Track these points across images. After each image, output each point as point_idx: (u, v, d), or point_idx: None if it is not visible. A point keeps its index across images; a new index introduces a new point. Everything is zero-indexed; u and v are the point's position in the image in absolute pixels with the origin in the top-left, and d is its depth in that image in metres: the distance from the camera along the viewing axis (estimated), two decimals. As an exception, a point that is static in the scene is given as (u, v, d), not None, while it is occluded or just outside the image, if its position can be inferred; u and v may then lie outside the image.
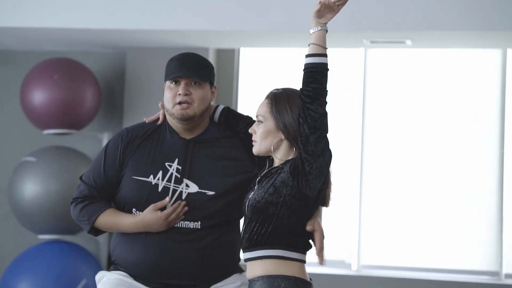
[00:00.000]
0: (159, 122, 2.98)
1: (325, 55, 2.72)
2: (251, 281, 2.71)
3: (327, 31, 2.73)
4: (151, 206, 2.82)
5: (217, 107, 3.03)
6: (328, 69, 2.71)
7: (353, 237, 5.81)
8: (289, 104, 2.73)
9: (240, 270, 3.01)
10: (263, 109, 2.77)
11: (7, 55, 6.19)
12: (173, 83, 2.88)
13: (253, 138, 2.78)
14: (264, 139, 2.75)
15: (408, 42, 5.46)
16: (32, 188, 5.39)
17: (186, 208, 2.83)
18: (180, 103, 2.85)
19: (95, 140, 5.93)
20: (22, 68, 6.02)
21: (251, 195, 2.75)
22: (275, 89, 2.81)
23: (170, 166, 2.88)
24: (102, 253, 5.87)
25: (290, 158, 2.73)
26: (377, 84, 5.94)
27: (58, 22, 5.38)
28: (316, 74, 2.68)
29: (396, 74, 5.95)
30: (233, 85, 5.98)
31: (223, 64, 6.06)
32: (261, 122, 2.76)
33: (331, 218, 5.79)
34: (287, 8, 5.21)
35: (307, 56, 2.71)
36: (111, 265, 2.99)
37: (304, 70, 2.70)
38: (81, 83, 5.59)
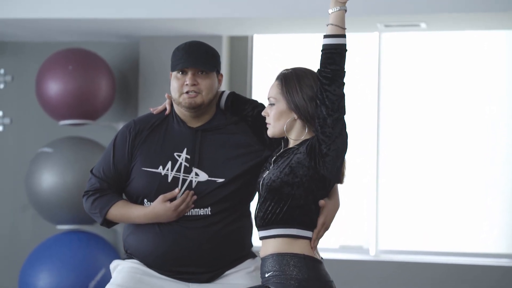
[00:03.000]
0: (166, 112, 2.98)
1: (343, 36, 2.68)
2: (263, 259, 2.72)
3: (346, 11, 2.69)
4: (161, 197, 2.84)
5: (222, 93, 3.03)
6: (346, 50, 2.67)
7: (371, 222, 5.80)
8: (298, 84, 2.71)
9: (253, 255, 3.02)
10: (273, 91, 2.76)
11: (21, 46, 6.21)
12: (180, 73, 2.88)
13: (267, 120, 2.78)
14: (277, 121, 2.74)
15: (423, 25, 5.42)
16: (49, 179, 5.42)
17: (195, 197, 2.84)
18: (187, 92, 2.86)
19: (110, 130, 5.95)
20: (36, 59, 6.03)
21: (266, 174, 2.75)
22: (284, 70, 2.79)
23: (179, 156, 2.89)
24: (120, 242, 5.89)
25: (304, 138, 2.72)
26: (392, 69, 5.91)
27: (71, 12, 5.39)
28: (335, 55, 2.65)
29: (411, 58, 5.92)
30: (247, 73, 5.97)
31: (237, 51, 6.05)
32: (273, 104, 2.75)
33: (348, 204, 5.79)
34: (300, -6, 5.19)
35: (326, 36, 2.67)
36: (125, 254, 3.01)
37: (322, 51, 2.67)
38: (96, 73, 5.59)
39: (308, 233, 2.71)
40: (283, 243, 2.68)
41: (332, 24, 2.68)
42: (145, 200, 2.89)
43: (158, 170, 2.87)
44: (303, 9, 5.22)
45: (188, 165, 2.87)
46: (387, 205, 5.84)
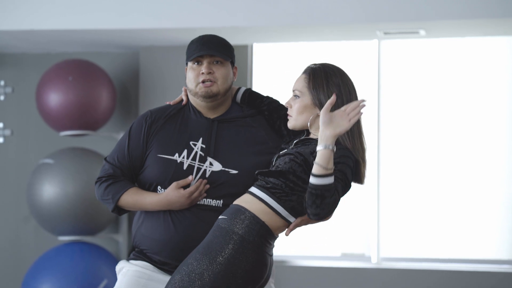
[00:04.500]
0: (183, 103, 3.00)
1: (328, 176, 2.51)
2: (232, 205, 2.71)
3: (333, 151, 2.51)
4: (174, 184, 2.84)
5: (239, 89, 3.06)
6: (332, 189, 2.53)
7: (372, 230, 5.80)
8: (326, 81, 2.71)
9: None
10: (300, 84, 2.76)
11: (21, 58, 6.22)
12: (196, 63, 2.90)
13: (289, 112, 2.78)
14: (300, 114, 2.74)
15: (422, 32, 5.43)
16: (50, 190, 5.41)
17: (208, 186, 2.84)
18: (203, 81, 2.87)
19: (111, 141, 5.95)
20: (36, 70, 6.04)
21: (283, 151, 2.76)
22: (313, 64, 2.78)
23: (195, 145, 2.90)
24: (122, 253, 5.89)
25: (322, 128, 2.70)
26: (392, 76, 5.92)
27: (70, 23, 5.40)
28: (315, 197, 2.53)
29: (411, 65, 5.92)
30: (247, 82, 5.97)
31: (236, 60, 6.03)
32: (298, 97, 2.75)
33: (350, 212, 5.79)
34: (299, 2, 5.20)
35: (311, 175, 2.55)
36: (132, 252, 3.00)
37: (308, 188, 2.56)
38: (96, 84, 5.60)
39: (290, 218, 2.68)
40: (257, 207, 2.66)
41: (317, 164, 2.53)
42: (159, 187, 2.89)
43: (174, 157, 2.88)
44: (303, 18, 5.23)
45: (203, 154, 2.88)
46: (389, 213, 5.84)
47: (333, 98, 2.55)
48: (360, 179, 2.77)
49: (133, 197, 2.89)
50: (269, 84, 6.05)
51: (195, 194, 2.82)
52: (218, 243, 2.60)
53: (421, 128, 5.87)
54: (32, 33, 5.54)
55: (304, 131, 2.84)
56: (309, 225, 2.78)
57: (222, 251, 2.58)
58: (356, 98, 2.73)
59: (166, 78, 5.85)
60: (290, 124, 2.78)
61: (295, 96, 2.76)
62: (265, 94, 3.06)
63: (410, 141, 5.88)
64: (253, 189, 2.70)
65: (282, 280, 5.61)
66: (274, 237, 2.69)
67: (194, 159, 2.87)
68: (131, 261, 2.96)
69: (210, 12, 5.31)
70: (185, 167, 2.86)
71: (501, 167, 5.76)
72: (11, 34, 5.56)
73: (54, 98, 5.52)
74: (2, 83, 6.24)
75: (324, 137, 2.51)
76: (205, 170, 2.87)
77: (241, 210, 2.65)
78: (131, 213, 4.96)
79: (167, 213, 2.87)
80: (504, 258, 5.69)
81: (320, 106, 2.69)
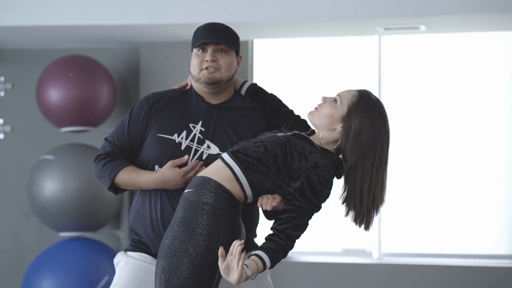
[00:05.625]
0: (187, 88, 3.02)
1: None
2: (200, 176, 2.70)
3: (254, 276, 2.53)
4: (169, 163, 2.85)
5: (245, 82, 3.07)
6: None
7: (374, 226, 5.79)
8: (369, 116, 2.68)
9: (256, 247, 3.03)
10: (347, 96, 2.73)
11: (21, 54, 6.21)
12: (200, 50, 2.91)
13: (317, 106, 2.76)
14: (323, 118, 2.73)
15: (422, 27, 5.43)
16: (51, 186, 5.41)
17: (204, 167, 2.84)
18: (207, 68, 2.89)
19: (112, 137, 5.94)
20: (36, 66, 6.03)
21: (277, 131, 2.78)
22: (371, 93, 2.74)
23: (194, 127, 2.91)
24: (123, 248, 5.88)
25: (325, 146, 2.71)
26: (392, 71, 5.92)
27: (70, 19, 5.40)
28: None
29: (411, 61, 5.92)
30: (247, 77, 5.96)
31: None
32: (336, 102, 2.73)
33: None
34: (299, -2, 5.20)
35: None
36: (130, 241, 3.00)
37: None
38: (96, 80, 5.60)
39: (249, 191, 2.67)
40: (225, 177, 2.66)
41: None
42: (156, 166, 2.90)
43: (173, 137, 2.89)
44: (303, 14, 5.23)
45: (201, 137, 2.89)
46: (390, 208, 5.84)
47: (238, 246, 2.50)
48: (367, 227, 2.78)
49: (129, 175, 2.90)
50: (270, 80, 6.04)
51: (191, 173, 2.83)
52: (191, 216, 2.60)
53: (422, 124, 5.87)
54: (32, 29, 5.54)
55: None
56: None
57: (198, 223, 2.59)
58: (383, 151, 2.74)
59: (167, 74, 5.84)
60: (310, 117, 2.77)
61: (335, 99, 2.74)
62: (269, 91, 3.06)
63: (411, 137, 5.88)
64: (224, 155, 2.70)
65: (283, 276, 5.62)
66: (240, 204, 2.69)
67: (192, 140, 2.89)
68: (129, 253, 2.97)
69: (210, 8, 5.30)
70: (183, 147, 2.88)
71: (501, 163, 5.76)
72: (11, 30, 5.55)
73: (55, 94, 5.52)
74: (2, 79, 6.23)
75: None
76: (202, 152, 2.88)
77: (206, 180, 2.65)
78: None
79: (163, 194, 2.88)
80: (504, 253, 5.70)
81: (345, 127, 2.68)
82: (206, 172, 2.70)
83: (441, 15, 5.12)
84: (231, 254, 2.47)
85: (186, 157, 2.86)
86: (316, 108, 2.76)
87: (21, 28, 5.51)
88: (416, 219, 5.83)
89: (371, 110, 2.70)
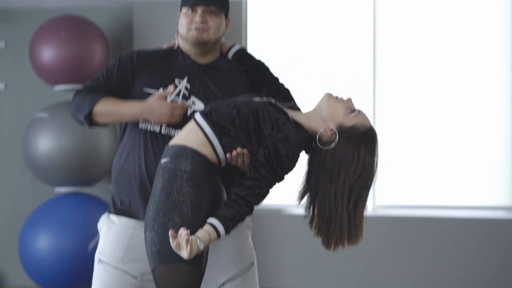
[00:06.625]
0: (175, 47, 3.02)
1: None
2: (174, 144, 2.69)
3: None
4: (157, 94, 2.84)
5: (232, 46, 3.07)
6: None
7: (368, 178, 5.81)
8: (354, 145, 2.62)
9: (250, 227, 3.07)
10: (362, 119, 2.68)
11: (14, 13, 6.18)
12: (190, 10, 2.91)
13: (341, 97, 2.73)
14: (331, 108, 2.69)
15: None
16: (46, 143, 5.42)
17: (192, 108, 2.85)
18: (196, 28, 2.89)
19: (105, 94, 5.93)
20: (29, 25, 6.01)
21: (258, 98, 2.77)
22: (370, 124, 2.68)
23: (180, 82, 2.91)
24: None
25: (311, 127, 2.70)
26: (388, 35, 5.89)
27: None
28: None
29: (407, 23, 5.89)
30: (241, 38, 5.94)
31: (231, 16, 6.01)
32: (351, 112, 2.68)
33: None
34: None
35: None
36: (111, 202, 2.98)
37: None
38: (89, 39, 5.58)
39: (222, 154, 2.67)
40: (199, 141, 2.65)
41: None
42: (140, 120, 2.89)
43: (159, 92, 2.89)
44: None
45: (187, 93, 2.89)
46: (384, 160, 5.85)
47: None
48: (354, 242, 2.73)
49: (112, 103, 2.86)
50: (264, 41, 6.01)
51: (178, 110, 2.81)
52: (171, 185, 2.60)
53: (418, 80, 5.87)
54: (24, -14, 5.52)
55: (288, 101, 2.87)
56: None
57: (179, 191, 2.59)
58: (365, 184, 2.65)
59: (160, 32, 5.82)
60: (328, 96, 2.72)
61: (353, 110, 2.68)
62: (257, 58, 3.06)
63: (407, 88, 5.88)
64: (197, 116, 2.70)
65: (277, 229, 5.64)
66: (217, 167, 2.69)
67: (177, 95, 2.88)
68: (112, 217, 2.95)
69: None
70: (168, 101, 2.86)
71: (498, 114, 5.77)
72: (3, -13, 5.53)
73: (47, 54, 5.50)
74: (-5, 37, 6.23)
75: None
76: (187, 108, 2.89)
77: (181, 148, 2.64)
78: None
79: (148, 147, 2.86)
80: (499, 205, 5.72)
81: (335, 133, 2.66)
82: (180, 138, 2.69)
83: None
84: (180, 236, 2.46)
85: (170, 88, 2.86)
86: (337, 97, 2.72)
87: (13, -15, 5.49)
88: (411, 171, 5.84)
89: (365, 146, 2.63)
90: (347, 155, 2.61)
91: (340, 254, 5.49)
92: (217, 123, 2.65)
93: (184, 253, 2.45)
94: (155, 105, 2.82)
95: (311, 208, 2.69)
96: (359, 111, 2.69)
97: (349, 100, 2.72)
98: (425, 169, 5.82)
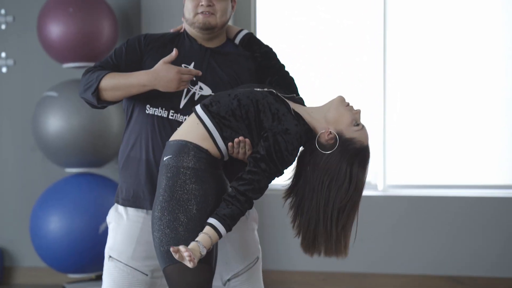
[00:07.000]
0: (181, 31, 2.99)
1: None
2: (176, 140, 2.67)
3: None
4: (162, 60, 2.77)
5: (240, 31, 3.03)
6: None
7: (379, 158, 5.80)
8: (347, 159, 2.60)
9: (255, 219, 3.06)
10: (364, 136, 2.67)
11: (20, -12, 6.12)
12: None
13: (352, 106, 2.70)
14: (337, 112, 2.66)
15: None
16: (55, 123, 5.40)
17: (200, 73, 2.80)
18: (202, 12, 2.85)
19: (115, 71, 5.89)
20: (36, 1, 5.94)
21: (256, 85, 2.75)
22: (368, 143, 2.68)
23: (187, 67, 2.86)
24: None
25: (311, 124, 2.68)
26: (398, 20, 5.82)
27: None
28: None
29: (416, 15, 5.82)
30: (250, 29, 5.86)
31: (240, 6, 5.94)
32: (355, 125, 2.65)
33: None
34: None
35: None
36: (118, 191, 2.97)
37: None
38: (97, 15, 5.51)
39: (224, 149, 2.66)
40: (200, 136, 2.63)
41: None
42: (148, 105, 2.86)
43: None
44: None
45: (194, 78, 2.84)
46: (395, 140, 5.83)
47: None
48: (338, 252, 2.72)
49: (119, 76, 2.80)
50: (273, 32, 5.94)
51: (185, 75, 2.75)
52: (175, 183, 2.58)
53: (428, 56, 5.81)
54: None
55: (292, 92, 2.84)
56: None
57: (183, 189, 2.57)
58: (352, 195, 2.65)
59: (169, 8, 5.74)
60: (340, 98, 2.69)
61: (358, 124, 2.65)
62: (265, 43, 3.03)
63: (416, 68, 5.83)
64: (197, 108, 2.67)
65: (287, 209, 5.65)
66: (220, 160, 2.67)
67: (189, 83, 2.82)
68: (120, 209, 2.93)
69: None
70: (179, 89, 2.79)
71: (508, 94, 5.71)
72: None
73: (55, 31, 5.45)
74: (3, 11, 6.15)
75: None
76: (194, 93, 2.85)
77: (183, 144, 2.62)
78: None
79: (155, 134, 2.82)
80: (510, 183, 5.70)
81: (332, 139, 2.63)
82: (181, 133, 2.66)
83: None
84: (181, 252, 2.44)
85: (175, 51, 2.78)
86: (348, 104, 2.68)
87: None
88: (421, 150, 5.82)
89: (358, 164, 2.63)
90: (340, 168, 2.60)
91: (351, 235, 5.53)
92: (217, 114, 2.62)
93: (188, 264, 2.44)
94: (161, 70, 2.74)
95: (294, 209, 2.70)
96: (363, 127, 2.67)
97: (358, 112, 2.69)
98: (435, 148, 5.79)
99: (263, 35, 5.92)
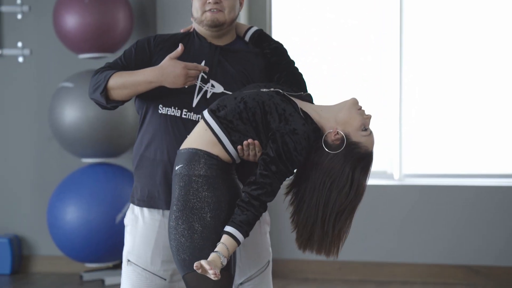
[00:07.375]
0: (191, 31, 2.98)
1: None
2: (186, 149, 2.67)
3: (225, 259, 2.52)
4: (168, 56, 2.77)
5: (250, 28, 3.02)
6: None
7: (394, 147, 5.79)
8: (351, 162, 2.59)
9: (267, 221, 3.06)
10: (370, 141, 2.64)
11: (36, -22, 6.12)
12: None
13: (364, 109, 2.69)
14: (348, 113, 2.64)
15: None
16: (71, 114, 5.42)
17: (207, 68, 2.79)
18: (210, 10, 2.85)
19: (130, 61, 5.89)
20: (52, -8, 5.97)
21: (262, 85, 2.74)
22: (372, 150, 2.65)
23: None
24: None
25: (319, 123, 2.66)
26: (414, 7, 5.80)
27: None
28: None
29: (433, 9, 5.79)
30: (266, 29, 5.84)
31: (255, 7, 5.91)
32: (363, 130, 2.64)
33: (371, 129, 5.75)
34: None
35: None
36: (134, 192, 2.95)
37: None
38: (112, 5, 5.51)
39: (234, 152, 2.64)
40: (210, 142, 2.63)
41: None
42: (160, 105, 2.85)
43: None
44: None
45: (205, 76, 2.84)
46: (411, 129, 5.81)
47: None
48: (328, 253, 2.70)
49: (126, 74, 2.79)
50: (288, 31, 5.91)
51: (192, 71, 2.74)
52: (187, 192, 2.58)
53: (445, 45, 5.77)
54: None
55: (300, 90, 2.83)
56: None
57: (196, 197, 2.57)
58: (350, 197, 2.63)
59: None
60: (354, 100, 2.67)
61: (366, 129, 2.63)
62: (276, 40, 3.02)
63: (433, 57, 5.80)
64: (205, 113, 2.66)
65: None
66: (232, 165, 2.67)
67: (196, 79, 2.81)
68: (136, 211, 2.92)
69: None
70: (187, 85, 2.79)
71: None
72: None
73: (71, 21, 5.46)
74: (19, 1, 6.16)
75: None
76: (206, 91, 2.84)
77: (193, 152, 2.62)
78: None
79: (169, 135, 2.81)
80: (527, 172, 5.69)
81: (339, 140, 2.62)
82: (191, 141, 2.66)
83: None
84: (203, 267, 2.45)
85: (180, 46, 2.77)
86: (360, 107, 2.67)
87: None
88: (437, 139, 5.80)
89: (361, 169, 2.60)
90: (343, 170, 2.58)
91: (366, 224, 5.53)
92: (224, 119, 2.61)
93: (211, 276, 2.45)
94: (168, 66, 2.73)
95: (294, 205, 2.68)
96: (371, 132, 2.65)
97: (369, 117, 2.67)
98: (451, 138, 5.77)
99: (279, 32, 5.90)
